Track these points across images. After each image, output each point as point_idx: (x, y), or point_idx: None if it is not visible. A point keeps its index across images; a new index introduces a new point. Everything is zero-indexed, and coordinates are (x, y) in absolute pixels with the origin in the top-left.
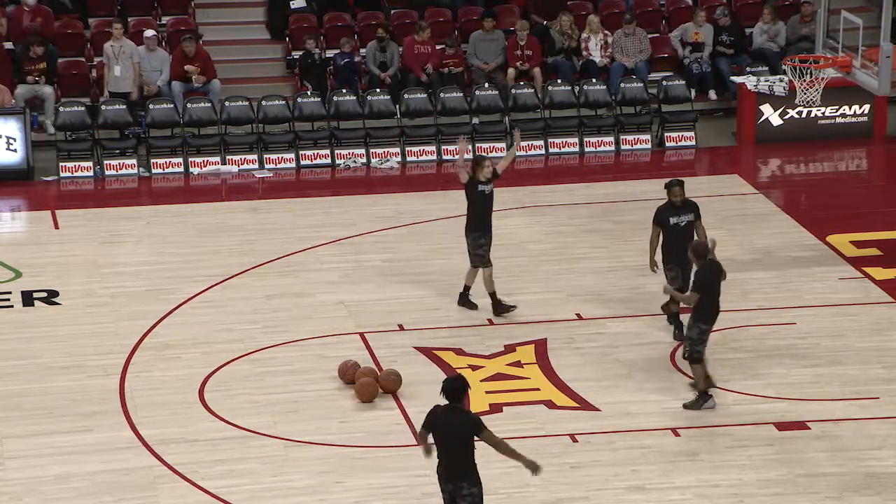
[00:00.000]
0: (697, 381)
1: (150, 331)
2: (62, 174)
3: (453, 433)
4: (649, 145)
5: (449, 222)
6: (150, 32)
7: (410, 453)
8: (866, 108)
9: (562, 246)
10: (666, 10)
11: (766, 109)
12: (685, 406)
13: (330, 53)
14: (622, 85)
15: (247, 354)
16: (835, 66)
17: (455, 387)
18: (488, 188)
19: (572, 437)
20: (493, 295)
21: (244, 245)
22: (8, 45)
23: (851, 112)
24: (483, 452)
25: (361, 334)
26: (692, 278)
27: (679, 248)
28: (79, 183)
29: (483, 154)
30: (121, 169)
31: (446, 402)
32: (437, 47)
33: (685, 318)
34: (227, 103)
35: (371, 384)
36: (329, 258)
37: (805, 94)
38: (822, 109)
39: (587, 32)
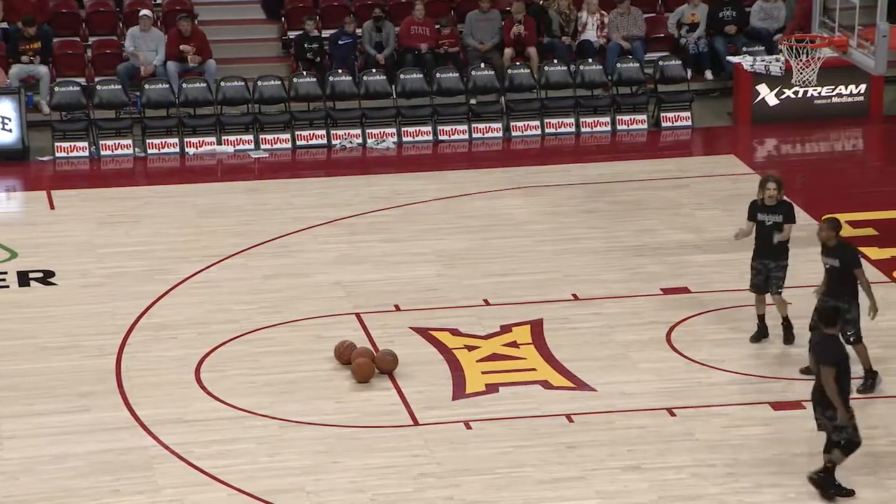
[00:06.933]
0: None
1: (146, 311)
2: (57, 154)
3: None
4: (645, 126)
5: (444, 203)
6: (144, 11)
7: (407, 433)
8: (863, 87)
9: (558, 226)
10: None
11: (763, 89)
12: None
13: (326, 34)
14: (618, 65)
15: (243, 335)
16: (831, 45)
17: None
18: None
19: (568, 417)
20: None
21: (240, 225)
22: (2, 24)
23: (848, 92)
24: (480, 433)
25: (357, 315)
26: None
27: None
28: (74, 163)
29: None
30: (116, 149)
31: None
32: (435, 26)
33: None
34: (222, 83)
35: (367, 364)
36: (325, 239)
37: (801, 73)
38: (819, 89)
39: (584, 12)
